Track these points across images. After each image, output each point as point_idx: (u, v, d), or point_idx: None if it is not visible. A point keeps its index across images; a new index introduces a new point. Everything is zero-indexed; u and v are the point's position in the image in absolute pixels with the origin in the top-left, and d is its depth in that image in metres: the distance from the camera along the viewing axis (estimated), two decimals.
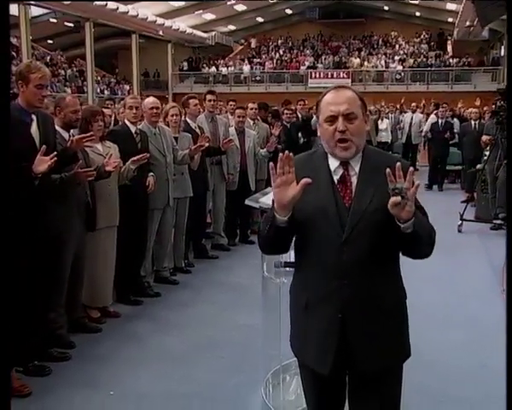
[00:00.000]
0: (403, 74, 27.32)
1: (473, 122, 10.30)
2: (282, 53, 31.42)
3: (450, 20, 26.43)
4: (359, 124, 1.85)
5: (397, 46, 30.54)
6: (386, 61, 28.56)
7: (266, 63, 30.13)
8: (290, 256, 2.12)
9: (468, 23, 20.88)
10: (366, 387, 1.90)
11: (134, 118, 4.73)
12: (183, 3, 25.52)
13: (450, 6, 24.46)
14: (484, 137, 8.17)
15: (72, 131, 3.95)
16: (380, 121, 13.03)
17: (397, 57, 28.81)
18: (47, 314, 3.65)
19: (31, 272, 3.27)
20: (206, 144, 5.40)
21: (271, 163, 1.76)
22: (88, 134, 3.68)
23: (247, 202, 3.16)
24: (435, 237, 1.87)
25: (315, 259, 1.89)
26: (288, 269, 2.44)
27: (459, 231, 7.55)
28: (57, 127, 3.74)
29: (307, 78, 27.78)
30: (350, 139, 1.83)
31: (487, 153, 8.02)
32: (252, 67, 29.88)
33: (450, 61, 27.83)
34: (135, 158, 4.35)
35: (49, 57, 24.24)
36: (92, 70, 22.10)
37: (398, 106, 15.07)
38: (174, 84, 29.29)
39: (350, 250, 1.82)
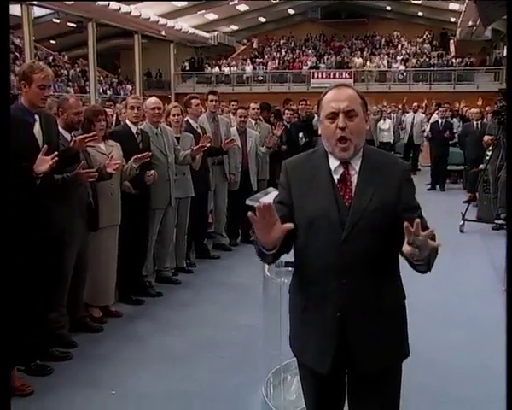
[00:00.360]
0: (405, 74, 27.27)
1: (475, 122, 10.29)
2: (284, 53, 31.41)
3: (452, 19, 26.37)
4: (359, 122, 1.86)
5: (399, 46, 30.50)
6: (388, 61, 28.53)
7: (268, 63, 30.12)
8: (291, 256, 2.12)
9: (470, 23, 20.81)
10: (366, 387, 1.91)
11: (135, 118, 4.74)
12: (185, 3, 25.54)
13: (453, 6, 24.40)
14: (486, 138, 8.16)
15: (73, 132, 3.96)
16: (382, 121, 13.03)
17: (399, 57, 28.77)
18: (49, 314, 3.66)
19: (32, 271, 3.28)
20: (208, 144, 5.41)
21: (250, 212, 1.69)
22: (90, 134, 3.69)
23: (247, 201, 3.17)
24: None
25: (314, 258, 1.89)
26: (289, 269, 2.44)
27: (461, 231, 7.54)
28: (59, 128, 3.74)
29: (309, 78, 27.77)
30: (349, 138, 1.83)
31: (489, 153, 8.01)
32: (254, 67, 29.87)
33: (453, 61, 27.77)
34: (137, 156, 4.36)
35: (51, 57, 24.26)
36: (95, 70, 22.13)
37: (400, 106, 15.06)
38: (176, 85, 29.33)
39: (349, 249, 1.82)
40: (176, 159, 5.19)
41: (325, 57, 30.00)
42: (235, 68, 29.87)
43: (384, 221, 1.82)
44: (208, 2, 25.95)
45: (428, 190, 11.21)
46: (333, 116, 1.85)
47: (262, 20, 32.40)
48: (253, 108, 7.17)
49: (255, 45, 33.21)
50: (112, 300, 4.53)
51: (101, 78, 26.18)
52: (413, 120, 13.07)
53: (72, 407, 3.22)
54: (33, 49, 18.98)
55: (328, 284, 1.86)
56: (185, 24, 26.74)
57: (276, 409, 2.99)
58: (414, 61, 28.29)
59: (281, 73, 28.94)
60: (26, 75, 3.24)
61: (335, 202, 1.85)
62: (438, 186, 11.32)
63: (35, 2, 18.66)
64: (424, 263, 1.73)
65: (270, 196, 2.46)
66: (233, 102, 7.72)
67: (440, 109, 11.41)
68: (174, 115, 5.44)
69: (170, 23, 25.09)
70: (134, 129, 4.73)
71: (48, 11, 21.58)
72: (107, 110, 5.45)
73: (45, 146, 3.18)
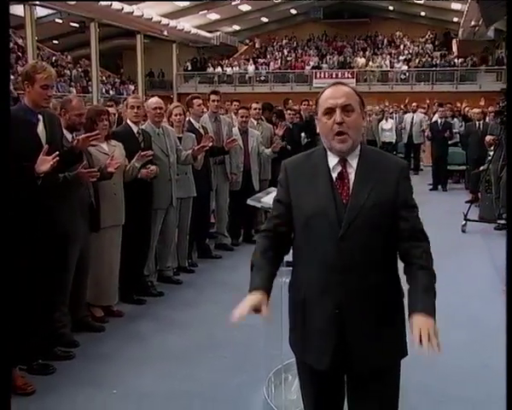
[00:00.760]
0: (408, 74, 27.24)
1: (477, 122, 10.28)
2: (286, 53, 31.39)
3: (455, 19, 26.34)
4: (357, 117, 1.88)
5: (402, 46, 30.45)
6: (390, 61, 28.49)
7: (271, 63, 30.12)
8: (291, 256, 2.13)
9: (473, 23, 20.80)
10: (364, 386, 1.91)
11: (135, 117, 4.74)
12: (187, 3, 25.56)
13: (455, 6, 24.37)
14: (488, 138, 8.14)
15: (74, 133, 3.97)
16: (384, 121, 13.03)
17: (402, 57, 28.73)
18: (51, 313, 3.66)
19: (34, 271, 3.28)
20: (210, 144, 5.42)
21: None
22: (93, 133, 3.69)
23: (249, 201, 3.17)
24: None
25: (312, 255, 1.90)
26: (289, 268, 2.45)
27: (463, 231, 7.54)
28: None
29: (312, 78, 27.74)
30: (347, 132, 1.86)
31: (491, 153, 8.00)
32: (256, 68, 29.86)
33: (456, 61, 27.70)
34: (140, 154, 4.37)
35: (54, 58, 24.29)
36: (97, 70, 22.18)
37: (402, 106, 15.05)
38: (179, 85, 29.34)
39: (347, 247, 1.83)
40: (178, 159, 5.20)
41: (327, 57, 29.99)
42: (237, 68, 29.86)
43: (382, 219, 1.83)
44: (210, 2, 25.98)
45: (430, 190, 11.21)
46: (330, 112, 1.87)
47: (264, 20, 32.40)
48: (255, 108, 7.18)
49: (257, 45, 33.21)
50: (114, 300, 4.53)
51: (104, 78, 26.22)
52: (412, 119, 13.07)
53: (74, 407, 3.23)
54: (36, 50, 19.04)
55: (325, 281, 1.86)
56: (187, 24, 26.76)
57: (277, 409, 3.00)
58: (416, 61, 28.26)
59: (283, 73, 28.93)
60: (29, 75, 3.25)
61: (333, 200, 1.86)
62: (440, 186, 11.31)
63: (37, 2, 18.70)
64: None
65: (271, 196, 2.46)
66: (235, 102, 7.71)
67: (440, 109, 11.41)
68: (176, 115, 5.45)
69: (172, 23, 25.11)
70: (135, 129, 4.74)
71: (50, 11, 21.63)
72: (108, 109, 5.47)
73: (46, 146, 3.19)
